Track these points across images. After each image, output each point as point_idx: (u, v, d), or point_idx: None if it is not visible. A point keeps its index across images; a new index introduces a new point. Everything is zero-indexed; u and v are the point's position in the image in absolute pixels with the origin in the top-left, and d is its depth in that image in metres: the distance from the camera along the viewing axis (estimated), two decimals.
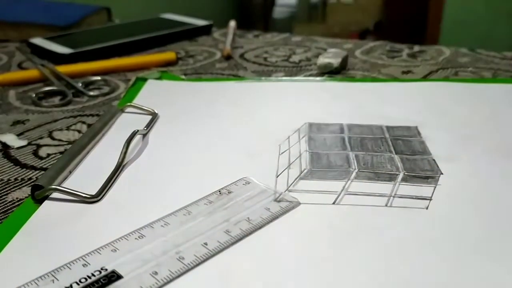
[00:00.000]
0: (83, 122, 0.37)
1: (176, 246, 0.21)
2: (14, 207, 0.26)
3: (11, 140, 0.34)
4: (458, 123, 0.34)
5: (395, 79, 0.45)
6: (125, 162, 0.29)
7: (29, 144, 0.34)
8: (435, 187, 0.26)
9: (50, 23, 0.63)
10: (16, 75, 0.47)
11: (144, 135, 0.32)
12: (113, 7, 0.74)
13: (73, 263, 0.20)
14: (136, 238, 0.22)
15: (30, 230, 0.23)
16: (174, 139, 0.32)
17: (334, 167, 0.28)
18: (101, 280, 0.19)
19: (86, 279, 0.20)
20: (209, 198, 0.25)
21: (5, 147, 0.33)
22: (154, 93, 0.41)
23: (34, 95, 0.42)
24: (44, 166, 0.31)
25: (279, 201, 0.25)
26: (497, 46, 0.59)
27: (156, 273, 0.20)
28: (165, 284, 0.20)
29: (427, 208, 0.24)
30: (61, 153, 0.33)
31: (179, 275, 0.20)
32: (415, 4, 2.00)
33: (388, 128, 0.33)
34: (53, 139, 0.35)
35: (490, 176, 0.27)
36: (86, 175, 0.28)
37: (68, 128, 0.36)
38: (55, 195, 0.26)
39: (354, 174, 0.27)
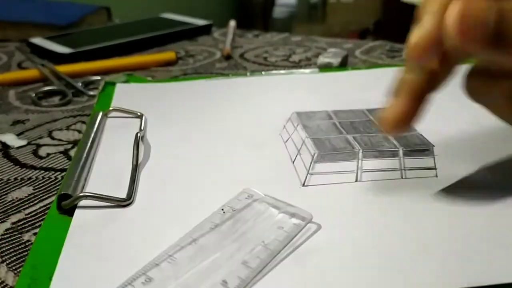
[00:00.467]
0: (83, 122, 0.37)
1: None
2: (14, 206, 0.26)
3: (11, 139, 0.34)
4: None
5: (370, 66, 0.46)
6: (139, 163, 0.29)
7: (28, 143, 0.34)
8: (434, 157, 0.28)
9: (50, 23, 0.63)
10: (16, 74, 0.47)
11: (142, 137, 0.32)
12: (113, 6, 0.74)
13: None
14: (142, 283, 0.19)
15: (74, 241, 0.23)
16: (173, 138, 0.33)
17: (339, 149, 0.29)
18: None
19: None
20: (213, 219, 0.23)
21: (5, 146, 0.33)
22: (128, 96, 0.40)
23: (34, 95, 0.42)
24: (44, 166, 0.31)
25: (306, 186, 0.26)
26: None
27: None
28: None
29: (436, 176, 0.27)
30: (61, 152, 0.33)
31: None
32: (415, 3, 2.00)
33: (369, 110, 0.35)
34: (53, 138, 0.35)
35: (473, 134, 0.30)
36: (101, 181, 0.28)
37: (68, 128, 0.36)
38: (82, 203, 0.25)
39: (361, 154, 0.29)
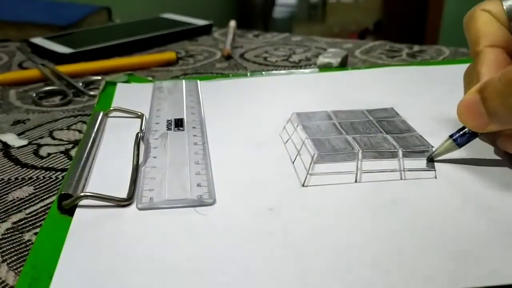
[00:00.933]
0: (84, 122, 0.37)
1: None
2: (14, 206, 0.27)
3: (12, 139, 0.34)
4: (427, 103, 0.36)
5: (369, 66, 0.45)
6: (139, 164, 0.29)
7: (29, 143, 0.34)
8: (431, 158, 0.28)
9: (50, 23, 0.63)
10: (17, 74, 0.48)
11: (142, 137, 0.32)
12: (114, 7, 0.74)
13: None
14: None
15: (74, 241, 0.23)
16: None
17: (339, 150, 0.29)
18: None
19: None
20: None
21: (6, 146, 0.34)
22: (129, 96, 0.40)
23: (34, 95, 0.42)
24: (45, 166, 0.31)
25: (305, 186, 0.26)
26: None
27: None
28: None
29: (436, 178, 0.27)
30: (61, 152, 0.33)
31: None
32: (415, 3, 2.00)
33: (368, 111, 0.35)
34: (54, 138, 0.35)
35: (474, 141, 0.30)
36: (101, 181, 0.28)
37: (68, 128, 0.36)
38: (83, 202, 0.25)
39: (360, 154, 0.29)
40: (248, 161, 0.29)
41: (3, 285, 0.21)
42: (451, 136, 0.27)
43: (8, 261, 0.22)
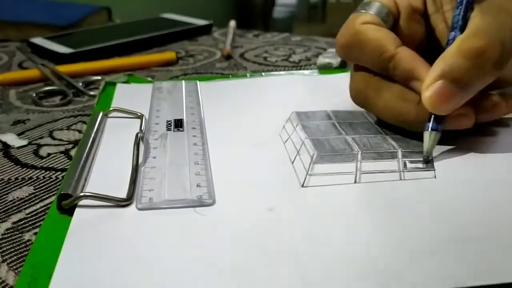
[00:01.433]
0: (84, 122, 0.37)
1: None
2: (14, 206, 0.27)
3: (12, 139, 0.34)
4: None
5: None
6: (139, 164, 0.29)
7: (29, 143, 0.34)
8: (432, 158, 0.28)
9: (50, 23, 0.63)
10: (17, 74, 0.48)
11: (142, 137, 0.32)
12: (113, 7, 0.74)
13: None
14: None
15: (73, 240, 0.23)
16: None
17: (338, 151, 0.29)
18: None
19: None
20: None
21: (6, 146, 0.34)
22: (129, 96, 0.40)
23: (34, 95, 0.42)
24: (45, 166, 0.31)
25: (305, 187, 0.26)
26: None
27: None
28: None
29: (435, 177, 0.27)
30: (61, 152, 0.33)
31: None
32: None
33: (368, 112, 0.34)
34: (54, 138, 0.35)
35: (473, 135, 0.30)
36: (101, 182, 0.28)
37: (68, 128, 0.36)
38: (82, 202, 0.25)
39: (359, 155, 0.29)
40: (247, 161, 0.29)
41: (3, 285, 0.21)
42: (432, 129, 0.27)
43: (8, 261, 0.22)
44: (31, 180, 0.29)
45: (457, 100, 0.26)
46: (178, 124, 0.34)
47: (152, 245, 0.22)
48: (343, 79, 0.43)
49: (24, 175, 0.30)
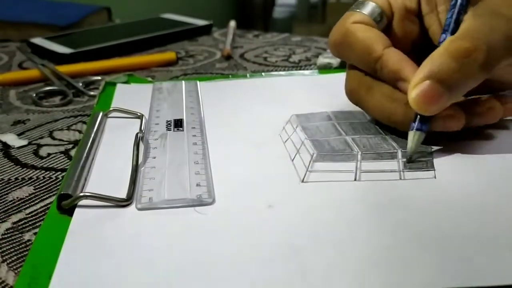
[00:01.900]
0: (84, 122, 0.37)
1: None
2: (14, 206, 0.27)
3: (12, 139, 0.34)
4: None
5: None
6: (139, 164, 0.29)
7: (29, 143, 0.34)
8: (432, 158, 0.28)
9: (50, 23, 0.63)
10: (17, 75, 0.48)
11: (142, 138, 0.32)
12: (113, 7, 0.74)
13: None
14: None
15: (73, 240, 0.23)
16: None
17: (338, 151, 0.29)
18: None
19: None
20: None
21: (6, 146, 0.34)
22: (128, 96, 0.40)
23: (34, 95, 0.42)
24: (45, 166, 0.31)
25: (305, 182, 0.27)
26: None
27: None
28: None
29: (435, 177, 0.27)
30: (61, 152, 0.33)
31: None
32: None
33: None
34: (54, 138, 0.35)
35: (474, 136, 0.30)
36: (101, 182, 0.28)
37: (68, 128, 0.36)
38: (82, 202, 0.25)
39: (359, 156, 0.29)
40: (247, 160, 0.29)
41: (3, 285, 0.21)
42: (416, 129, 0.28)
43: (8, 261, 0.22)
44: (31, 180, 0.29)
45: (443, 101, 0.26)
46: (178, 124, 0.34)
47: (152, 245, 0.22)
48: (343, 79, 0.43)
49: (24, 175, 0.30)
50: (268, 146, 0.31)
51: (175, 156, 0.29)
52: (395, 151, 0.29)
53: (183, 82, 0.42)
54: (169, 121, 0.34)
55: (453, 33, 0.28)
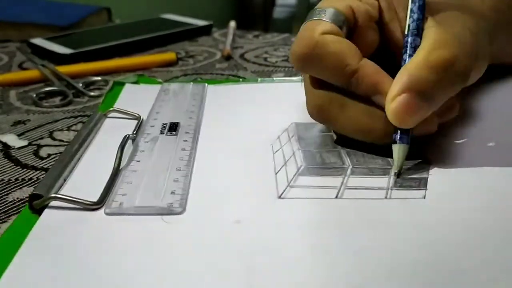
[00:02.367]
0: (84, 123, 0.37)
1: None
2: (14, 207, 0.27)
3: (12, 140, 0.34)
4: None
5: None
6: (120, 167, 0.29)
7: (29, 144, 0.34)
8: (427, 177, 0.27)
9: (50, 23, 0.63)
10: (17, 75, 0.48)
11: (134, 140, 0.32)
12: (114, 7, 0.74)
13: None
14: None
15: (34, 241, 0.23)
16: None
17: (328, 164, 0.29)
18: None
19: None
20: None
21: (6, 147, 0.34)
22: (134, 97, 0.40)
23: (34, 95, 0.42)
24: (45, 166, 0.31)
25: (282, 198, 0.25)
26: None
27: None
28: None
29: (424, 198, 0.25)
30: (61, 153, 0.33)
31: None
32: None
33: None
34: (54, 139, 0.35)
35: (472, 157, 0.28)
36: (81, 182, 0.28)
37: (68, 129, 0.36)
38: (54, 203, 0.25)
39: (349, 170, 0.28)
40: (230, 170, 0.28)
41: None
42: (400, 141, 0.27)
43: None
44: (31, 181, 0.29)
45: (423, 112, 0.26)
46: (173, 128, 0.33)
47: (108, 252, 0.22)
48: None
49: (24, 176, 0.30)
50: (256, 156, 0.30)
51: (160, 161, 0.29)
52: (389, 167, 0.28)
53: (191, 84, 0.42)
54: (165, 124, 0.34)
55: (419, 36, 0.27)
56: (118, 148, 0.30)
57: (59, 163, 0.28)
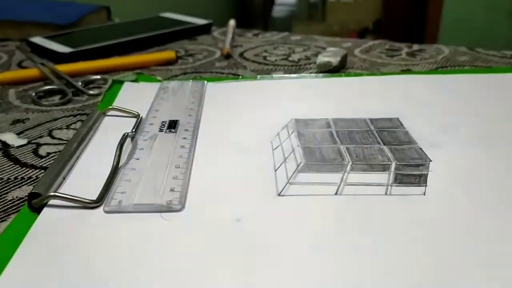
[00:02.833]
0: (83, 121, 0.37)
1: None
2: (14, 206, 0.27)
3: (11, 139, 0.34)
4: (436, 113, 0.35)
5: (372, 73, 0.45)
6: (119, 165, 0.29)
7: (29, 143, 0.34)
8: (427, 173, 0.27)
9: (50, 22, 0.63)
10: (16, 74, 0.48)
11: (133, 138, 0.32)
12: (113, 6, 0.74)
13: None
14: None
15: (33, 240, 0.23)
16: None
17: (328, 160, 0.29)
18: None
19: None
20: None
21: (5, 146, 0.34)
22: (133, 95, 0.40)
23: (34, 94, 0.42)
24: (44, 165, 0.31)
25: (281, 196, 0.26)
26: (496, 44, 0.60)
27: None
28: None
29: (424, 194, 0.25)
30: (60, 152, 0.33)
31: None
32: (415, 3, 2.00)
33: (371, 120, 0.34)
34: (53, 138, 0.35)
35: (476, 158, 0.29)
36: (80, 181, 0.28)
37: (68, 127, 0.36)
38: (53, 202, 0.25)
39: (349, 166, 0.28)
40: (230, 168, 0.29)
41: None
42: None
43: None
44: (31, 180, 0.29)
45: None
46: (172, 125, 0.33)
47: (109, 251, 0.22)
48: (352, 84, 0.41)
49: (24, 175, 0.30)
50: (255, 153, 0.30)
51: (159, 159, 0.29)
52: (389, 163, 0.28)
53: (190, 82, 0.42)
54: (164, 121, 0.34)
55: None
56: (117, 146, 0.30)
57: (58, 162, 0.28)
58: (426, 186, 0.26)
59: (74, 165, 0.29)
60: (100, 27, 0.65)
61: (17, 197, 0.27)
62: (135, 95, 0.40)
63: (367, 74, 0.45)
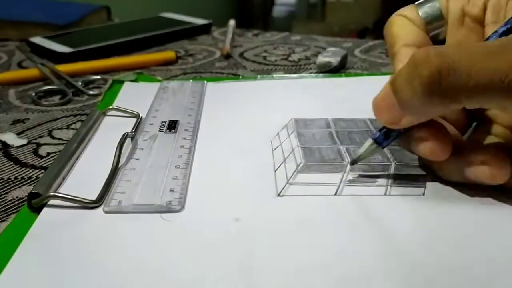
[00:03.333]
0: (83, 121, 0.37)
1: None
2: (14, 205, 0.27)
3: (11, 139, 0.34)
4: None
5: (372, 73, 0.45)
6: (119, 165, 0.29)
7: (29, 143, 0.34)
8: (426, 173, 0.27)
9: (49, 22, 0.63)
10: (16, 74, 0.48)
11: (132, 138, 0.32)
12: (113, 6, 0.74)
13: None
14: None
15: (33, 240, 0.23)
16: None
17: (327, 160, 0.29)
18: None
19: None
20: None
21: (5, 146, 0.34)
22: (133, 95, 0.40)
23: (34, 94, 0.42)
24: (44, 165, 0.31)
25: (281, 196, 0.26)
26: None
27: None
28: None
29: (423, 195, 0.25)
30: (60, 152, 0.33)
31: None
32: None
33: (371, 120, 0.33)
34: (53, 138, 0.35)
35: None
36: (79, 181, 0.28)
37: (68, 127, 0.36)
38: (53, 202, 0.25)
39: (348, 167, 0.28)
40: (229, 168, 0.28)
41: None
42: (374, 138, 0.26)
43: None
44: (31, 180, 0.29)
45: (394, 112, 0.23)
46: (172, 126, 0.33)
47: (108, 251, 0.22)
48: (353, 83, 0.41)
49: (24, 175, 0.30)
50: (255, 153, 0.30)
51: (158, 159, 0.29)
52: (388, 163, 0.28)
53: (190, 82, 0.42)
54: (164, 121, 0.34)
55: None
56: (117, 146, 0.30)
57: (58, 162, 0.28)
58: (425, 187, 0.26)
59: (74, 165, 0.29)
60: (100, 27, 0.65)
61: (17, 197, 0.27)
62: (135, 95, 0.40)
63: (367, 74, 0.45)
